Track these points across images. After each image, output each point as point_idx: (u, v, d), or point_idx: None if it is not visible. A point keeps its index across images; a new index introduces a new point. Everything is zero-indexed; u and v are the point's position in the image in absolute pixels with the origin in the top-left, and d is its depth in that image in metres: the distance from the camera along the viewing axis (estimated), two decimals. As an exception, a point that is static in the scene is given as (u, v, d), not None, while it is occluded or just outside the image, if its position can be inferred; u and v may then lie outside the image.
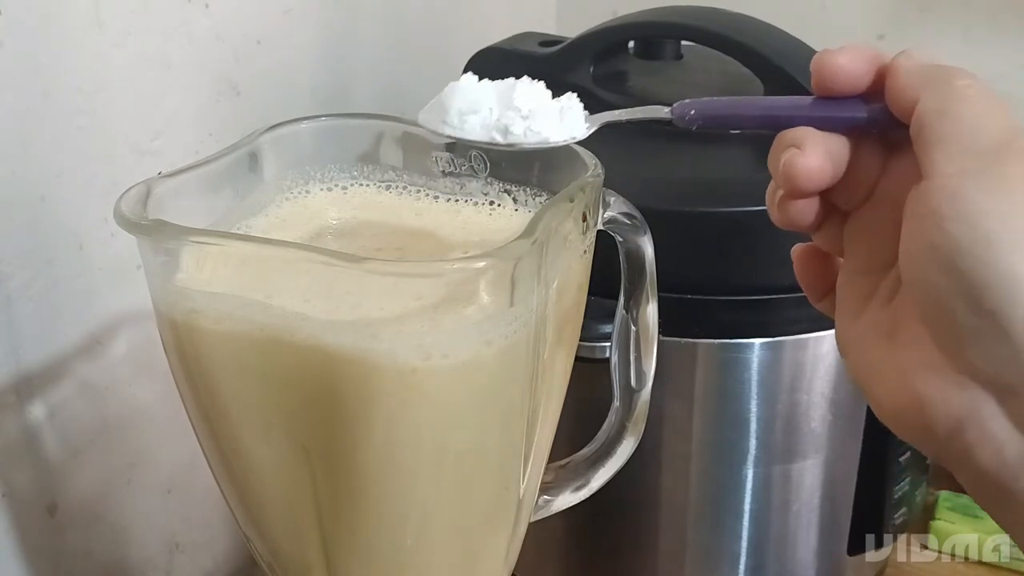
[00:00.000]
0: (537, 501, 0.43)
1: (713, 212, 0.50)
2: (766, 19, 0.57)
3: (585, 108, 0.38)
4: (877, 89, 0.31)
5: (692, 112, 0.34)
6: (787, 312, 0.51)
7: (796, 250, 0.36)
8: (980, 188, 0.27)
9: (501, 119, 0.36)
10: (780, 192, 0.33)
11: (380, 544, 0.37)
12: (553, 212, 0.35)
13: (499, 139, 0.36)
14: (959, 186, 0.27)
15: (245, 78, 0.57)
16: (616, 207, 0.40)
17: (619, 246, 0.42)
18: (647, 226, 0.41)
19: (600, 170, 0.39)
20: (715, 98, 0.35)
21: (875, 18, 0.81)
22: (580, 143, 0.37)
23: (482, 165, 0.43)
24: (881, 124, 0.31)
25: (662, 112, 0.35)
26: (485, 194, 0.43)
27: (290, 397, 0.34)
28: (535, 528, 0.43)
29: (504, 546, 0.41)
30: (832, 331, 0.50)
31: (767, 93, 0.54)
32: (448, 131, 0.37)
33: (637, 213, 0.41)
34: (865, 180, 0.32)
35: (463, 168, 0.43)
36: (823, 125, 0.32)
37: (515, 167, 0.43)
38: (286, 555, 0.39)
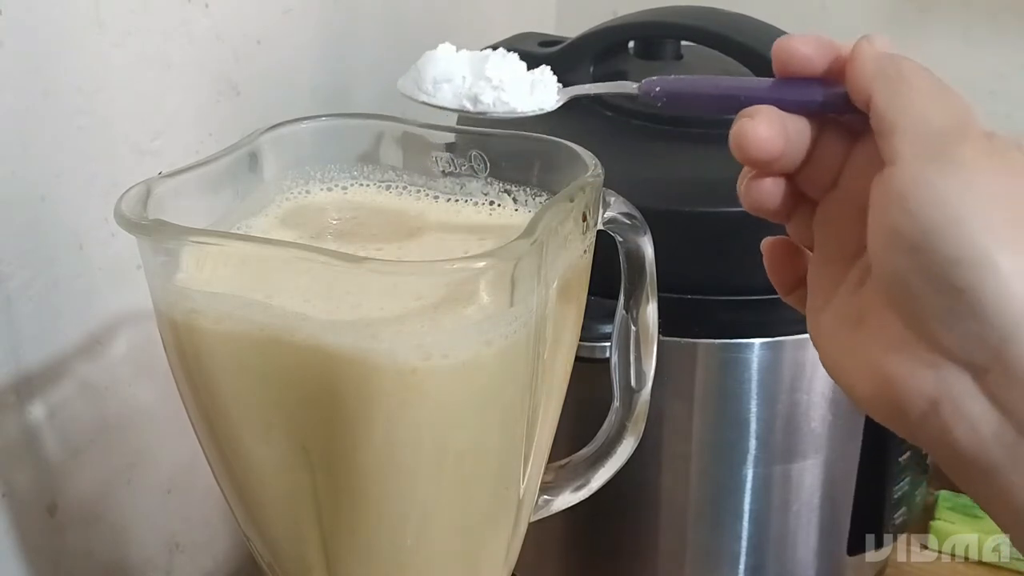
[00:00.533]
0: (537, 501, 0.43)
1: (713, 212, 0.50)
2: (766, 19, 0.57)
3: (562, 83, 0.38)
4: (838, 74, 0.32)
5: (657, 89, 0.36)
6: (787, 312, 0.50)
7: (766, 243, 0.37)
8: (940, 172, 0.28)
9: (472, 88, 0.37)
10: (750, 174, 0.34)
11: (380, 544, 0.37)
12: (553, 212, 0.35)
13: (469, 107, 0.37)
14: (921, 171, 0.28)
15: (245, 78, 0.57)
16: (616, 207, 0.40)
17: (619, 246, 0.42)
18: (647, 226, 0.41)
19: (600, 170, 0.39)
20: (680, 76, 0.35)
21: (875, 18, 0.81)
22: (584, 144, 0.38)
23: (482, 165, 0.43)
24: (840, 108, 0.32)
25: (630, 88, 0.36)
26: (485, 194, 0.43)
27: (290, 397, 0.34)
28: (535, 528, 0.43)
29: (504, 546, 0.41)
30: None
31: (767, 93, 0.54)
32: (423, 98, 0.38)
33: (637, 213, 0.41)
34: (830, 166, 0.33)
35: (463, 168, 0.43)
36: (783, 106, 0.32)
37: (515, 167, 0.43)
38: (286, 555, 0.39)
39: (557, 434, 0.42)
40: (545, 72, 0.38)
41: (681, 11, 0.59)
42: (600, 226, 0.40)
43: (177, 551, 0.59)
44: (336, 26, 0.65)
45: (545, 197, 0.42)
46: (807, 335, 0.50)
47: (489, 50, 0.38)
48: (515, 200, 0.43)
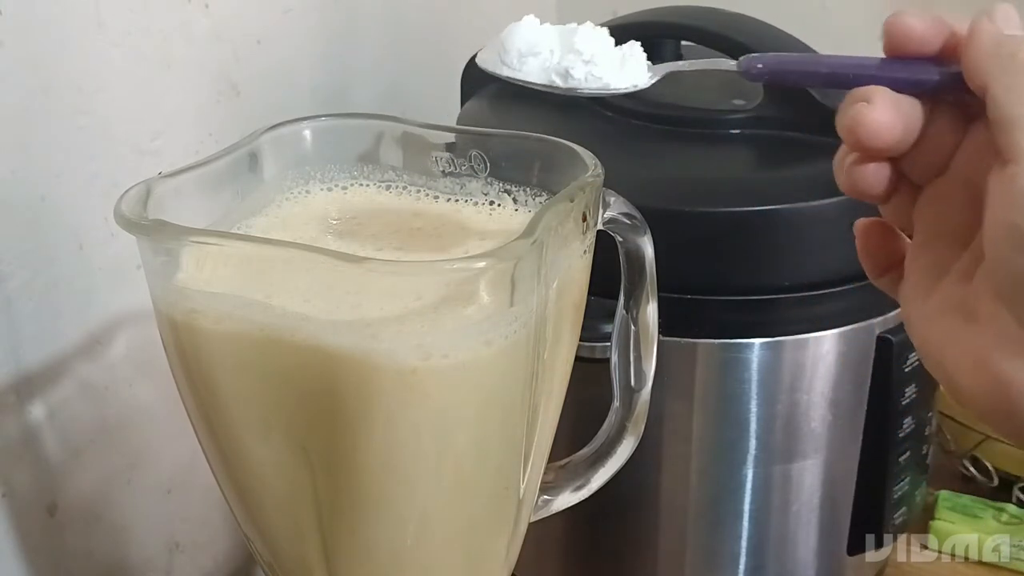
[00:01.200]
0: (537, 501, 0.43)
1: (713, 212, 0.50)
2: (766, 19, 0.57)
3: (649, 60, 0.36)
4: (951, 53, 0.30)
5: (760, 66, 0.34)
6: (787, 312, 0.51)
7: (860, 224, 0.35)
8: None
9: (562, 62, 0.35)
10: (851, 157, 0.32)
11: (380, 544, 0.37)
12: (553, 212, 0.35)
13: (559, 82, 0.35)
14: None
15: (245, 78, 0.57)
16: (616, 207, 0.40)
17: (619, 246, 0.42)
18: (647, 226, 0.41)
19: (600, 170, 0.39)
20: (784, 53, 0.34)
21: (875, 18, 0.81)
22: (582, 150, 0.37)
23: (482, 165, 0.43)
24: (954, 90, 0.30)
25: (728, 65, 0.34)
26: (485, 194, 0.43)
27: (290, 397, 0.34)
28: (535, 528, 0.43)
29: (504, 546, 0.41)
30: (832, 331, 0.51)
31: (766, 93, 0.54)
32: (506, 72, 0.36)
33: (637, 213, 0.41)
34: (940, 151, 0.31)
35: (463, 168, 0.43)
36: (894, 86, 0.31)
37: (515, 167, 0.43)
38: (286, 555, 0.39)
39: (557, 434, 0.42)
40: (635, 48, 0.36)
41: (681, 11, 0.59)
42: (600, 226, 0.40)
43: (177, 551, 0.59)
44: (336, 26, 0.65)
45: (545, 197, 0.42)
46: (807, 335, 0.51)
47: (574, 23, 0.36)
48: (515, 200, 0.43)
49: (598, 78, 0.35)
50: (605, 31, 0.35)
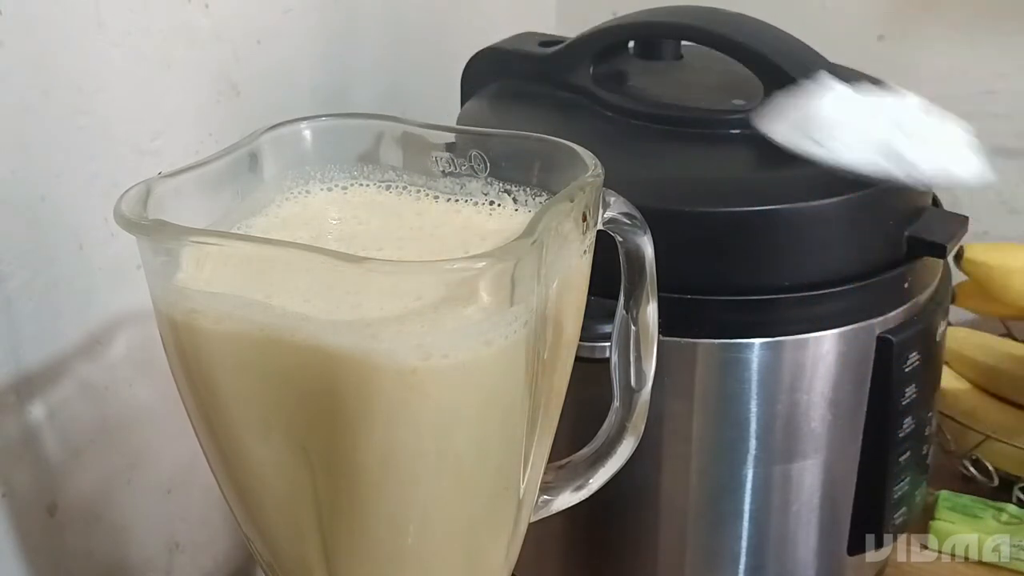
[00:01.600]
0: (537, 501, 0.43)
1: (713, 212, 0.50)
2: (766, 19, 0.57)
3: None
4: None
5: None
6: (787, 312, 0.51)
7: None
8: None
9: (891, 143, 0.29)
10: None
11: (380, 544, 0.37)
12: (553, 212, 0.35)
13: (889, 166, 0.29)
14: None
15: (245, 78, 0.57)
16: (616, 207, 0.40)
17: (619, 246, 0.42)
18: (647, 226, 0.41)
19: (600, 170, 0.39)
20: None
21: (875, 18, 0.81)
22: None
23: (482, 165, 0.43)
24: None
25: None
26: (485, 194, 0.43)
27: (290, 397, 0.34)
28: (535, 528, 0.43)
29: (504, 546, 0.41)
30: (832, 331, 0.51)
31: (767, 93, 0.54)
32: (812, 148, 0.29)
33: (637, 213, 0.41)
34: None
35: (463, 168, 0.43)
36: None
37: (515, 167, 0.43)
38: (286, 555, 0.39)
39: (557, 434, 0.42)
40: (956, 128, 0.30)
41: (681, 11, 0.59)
42: (600, 226, 0.40)
43: (177, 551, 0.59)
44: (336, 26, 0.65)
45: (545, 197, 0.42)
46: (807, 335, 0.51)
47: (888, 96, 0.29)
48: (515, 200, 0.43)
49: (942, 166, 0.28)
50: (917, 102, 0.29)
